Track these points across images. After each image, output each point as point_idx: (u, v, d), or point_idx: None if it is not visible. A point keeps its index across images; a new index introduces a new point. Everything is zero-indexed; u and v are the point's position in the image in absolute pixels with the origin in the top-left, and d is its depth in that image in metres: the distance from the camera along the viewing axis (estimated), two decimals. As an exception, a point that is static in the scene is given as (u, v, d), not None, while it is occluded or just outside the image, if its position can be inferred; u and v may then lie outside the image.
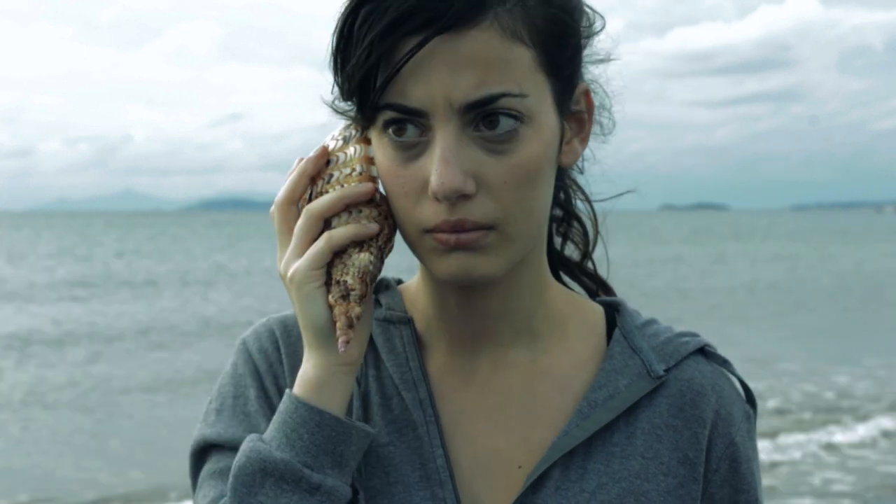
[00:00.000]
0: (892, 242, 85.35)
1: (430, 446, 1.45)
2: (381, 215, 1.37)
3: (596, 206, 1.63)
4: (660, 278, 41.08)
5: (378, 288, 1.57)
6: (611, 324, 1.56)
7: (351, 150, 1.38)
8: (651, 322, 1.56)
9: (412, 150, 1.34)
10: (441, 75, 1.30)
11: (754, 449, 1.54)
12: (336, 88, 1.38)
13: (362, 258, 1.36)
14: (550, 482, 1.43)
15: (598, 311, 1.57)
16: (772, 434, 13.31)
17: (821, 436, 13.53)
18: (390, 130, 1.34)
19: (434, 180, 1.31)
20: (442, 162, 1.30)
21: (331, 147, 1.40)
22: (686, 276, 43.36)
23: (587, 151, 1.51)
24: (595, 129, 1.50)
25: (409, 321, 1.52)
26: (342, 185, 1.36)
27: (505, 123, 1.32)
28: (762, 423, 12.48)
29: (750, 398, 1.55)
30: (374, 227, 1.37)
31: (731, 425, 1.50)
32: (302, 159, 1.41)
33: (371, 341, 1.52)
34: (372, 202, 1.38)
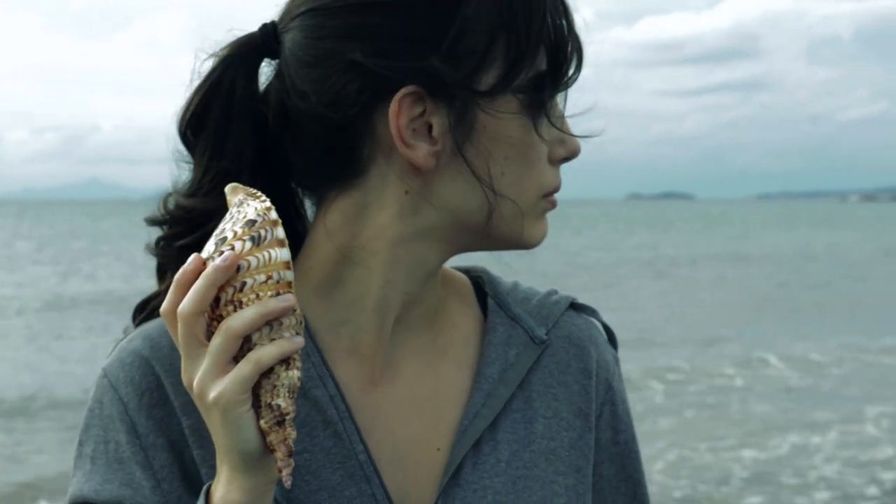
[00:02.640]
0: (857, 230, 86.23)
1: (350, 443, 1.39)
2: (299, 322, 1.23)
3: None
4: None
5: None
6: (478, 291, 1.56)
7: (265, 254, 1.21)
8: (516, 285, 1.58)
9: (542, 119, 1.38)
10: None
11: (624, 389, 1.61)
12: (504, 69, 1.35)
13: (291, 376, 1.22)
14: (467, 460, 1.43)
15: (465, 280, 1.57)
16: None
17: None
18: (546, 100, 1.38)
19: (576, 143, 1.42)
20: (569, 124, 1.42)
21: (237, 249, 1.21)
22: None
23: None
24: None
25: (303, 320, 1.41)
26: (257, 294, 1.20)
27: None
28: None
29: (613, 342, 1.62)
30: (300, 341, 1.22)
31: (608, 370, 1.58)
32: (203, 262, 1.22)
33: None
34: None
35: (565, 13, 1.38)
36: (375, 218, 1.38)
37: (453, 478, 1.42)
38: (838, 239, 72.48)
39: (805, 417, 14.40)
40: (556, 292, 1.60)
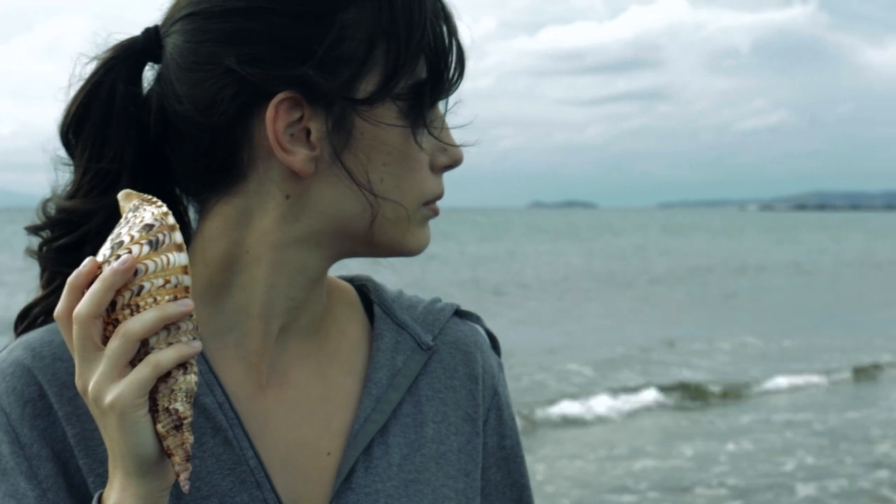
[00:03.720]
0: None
1: (239, 449, 1.39)
2: (196, 327, 1.24)
3: None
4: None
5: None
6: (363, 299, 1.58)
7: (163, 258, 1.21)
8: (401, 293, 1.60)
9: (420, 127, 1.38)
10: None
11: (509, 395, 1.65)
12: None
13: (189, 380, 1.22)
14: (359, 464, 1.44)
15: (350, 288, 1.58)
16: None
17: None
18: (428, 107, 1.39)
19: (458, 151, 1.43)
20: (450, 132, 1.43)
21: (134, 252, 1.20)
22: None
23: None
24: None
25: None
26: (154, 298, 1.20)
27: None
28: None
29: (497, 349, 1.65)
30: (198, 345, 1.22)
31: (493, 376, 1.60)
32: (98, 265, 1.22)
33: None
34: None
35: (447, 22, 1.38)
36: (257, 224, 1.38)
37: (346, 482, 1.43)
38: (742, 246, 73.68)
39: (708, 427, 14.56)
40: (440, 300, 1.62)
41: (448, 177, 1.48)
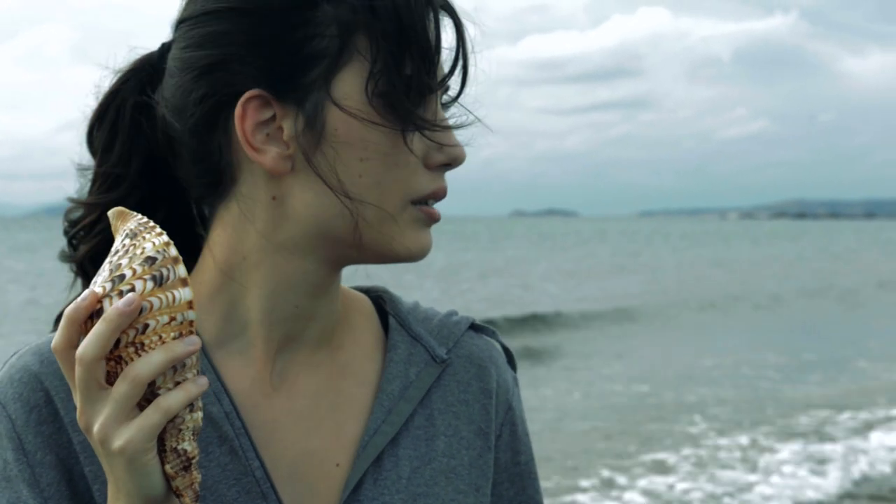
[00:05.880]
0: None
1: (245, 459, 1.38)
2: (199, 359, 1.21)
3: None
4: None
5: None
6: (378, 311, 1.57)
7: (168, 295, 1.17)
8: (416, 305, 1.59)
9: (408, 123, 1.34)
10: None
11: (523, 410, 1.63)
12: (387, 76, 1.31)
13: (196, 418, 1.20)
14: (368, 476, 1.43)
15: (365, 299, 1.57)
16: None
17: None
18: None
19: (456, 149, 1.38)
20: (453, 132, 1.38)
21: (138, 289, 1.17)
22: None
23: None
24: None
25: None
26: (160, 336, 1.17)
27: None
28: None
29: (512, 363, 1.63)
30: (204, 382, 1.20)
31: (508, 391, 1.59)
32: (98, 299, 1.18)
33: None
34: None
35: (436, 16, 1.35)
36: (251, 228, 1.38)
37: (353, 494, 1.42)
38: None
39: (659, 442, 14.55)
40: (455, 313, 1.60)
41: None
